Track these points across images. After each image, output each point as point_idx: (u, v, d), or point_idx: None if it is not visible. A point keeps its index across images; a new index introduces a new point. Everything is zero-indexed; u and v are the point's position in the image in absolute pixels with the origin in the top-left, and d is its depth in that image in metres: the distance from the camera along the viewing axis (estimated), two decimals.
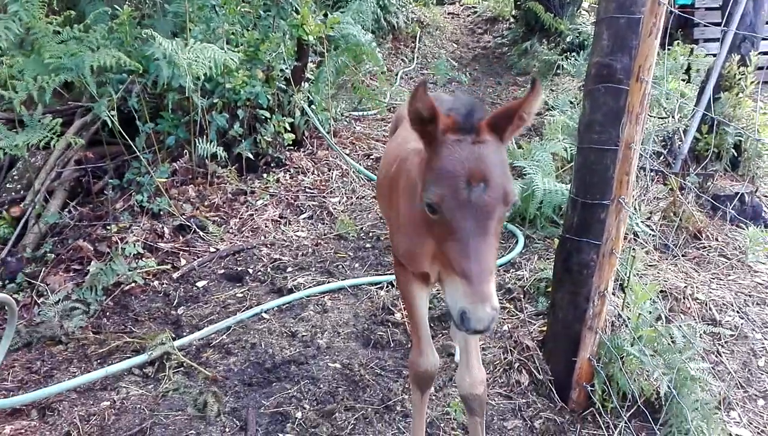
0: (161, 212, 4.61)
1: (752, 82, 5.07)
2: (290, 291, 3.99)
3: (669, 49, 6.92)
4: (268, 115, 5.33)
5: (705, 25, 8.10)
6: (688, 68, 7.10)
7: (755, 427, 3.01)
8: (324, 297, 3.95)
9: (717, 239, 4.44)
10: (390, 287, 4.05)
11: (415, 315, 2.47)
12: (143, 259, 4.15)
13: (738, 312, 3.77)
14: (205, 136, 4.92)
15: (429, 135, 1.77)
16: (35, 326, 3.55)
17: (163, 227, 4.51)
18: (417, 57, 10.45)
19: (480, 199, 1.64)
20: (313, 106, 6.04)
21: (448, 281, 1.69)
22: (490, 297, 1.59)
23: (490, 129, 1.76)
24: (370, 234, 4.84)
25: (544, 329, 3.43)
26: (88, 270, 3.95)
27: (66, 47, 4.21)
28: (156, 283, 4.04)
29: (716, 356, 3.42)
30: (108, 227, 4.33)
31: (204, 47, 4.51)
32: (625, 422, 2.88)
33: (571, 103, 6.65)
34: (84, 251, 4.13)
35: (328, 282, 4.10)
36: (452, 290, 1.66)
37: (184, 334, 3.54)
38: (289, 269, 4.29)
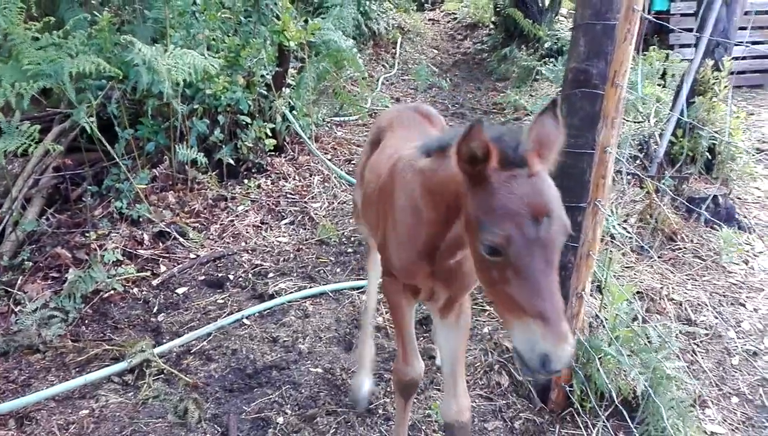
0: (141, 219, 4.59)
1: (725, 87, 5.17)
2: (271, 297, 3.99)
3: (645, 55, 7.03)
4: (249, 120, 5.33)
5: (680, 31, 8.24)
6: (664, 73, 7.21)
7: (729, 424, 3.07)
8: (305, 302, 3.95)
9: (692, 241, 4.53)
10: None
11: (402, 326, 2.44)
12: (122, 266, 4.13)
13: (713, 312, 3.84)
14: (185, 142, 4.90)
15: (478, 174, 1.67)
16: (12, 334, 3.51)
17: (142, 234, 4.49)
18: (398, 63, 10.50)
19: (547, 235, 1.58)
20: (294, 112, 6.04)
21: (517, 324, 1.60)
22: (568, 335, 1.55)
23: (539, 158, 1.70)
24: (352, 239, 4.86)
25: None
26: (67, 278, 3.92)
27: (45, 53, 4.17)
28: (135, 290, 4.02)
29: (691, 355, 3.48)
30: (87, 234, 4.30)
31: (184, 53, 4.50)
32: (603, 422, 2.92)
33: None
34: (62, 258, 4.10)
35: (310, 287, 4.10)
36: (527, 334, 1.57)
37: (165, 341, 3.53)
38: (271, 275, 4.29)
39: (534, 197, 1.61)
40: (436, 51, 11.77)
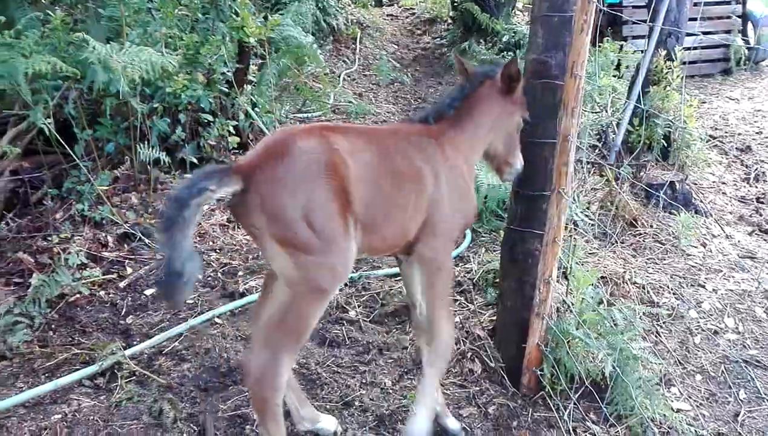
0: (104, 221, 4.50)
1: (678, 76, 5.35)
2: (242, 295, 3.98)
3: (600, 47, 7.20)
4: (210, 118, 5.27)
5: (633, 23, 8.46)
6: (619, 64, 7.40)
7: (694, 400, 3.20)
8: None
9: (651, 226, 4.68)
10: (344, 285, 4.08)
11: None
12: (87, 269, 4.04)
13: (674, 294, 3.98)
14: (146, 142, 4.83)
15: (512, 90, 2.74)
16: None
17: (106, 236, 4.40)
18: (358, 58, 10.50)
19: None
20: (257, 109, 6.00)
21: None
22: None
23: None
24: None
25: (494, 318, 3.54)
26: (30, 283, 3.82)
27: None
28: (102, 293, 3.95)
29: (655, 336, 3.61)
30: (49, 238, 4.20)
31: (140, 50, 4.42)
32: (574, 403, 3.01)
33: None
34: (24, 263, 3.99)
35: None
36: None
37: (135, 343, 3.48)
38: (240, 273, 4.27)
39: None
40: (396, 46, 11.81)
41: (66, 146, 4.39)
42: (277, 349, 2.22)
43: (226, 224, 4.88)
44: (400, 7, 15.12)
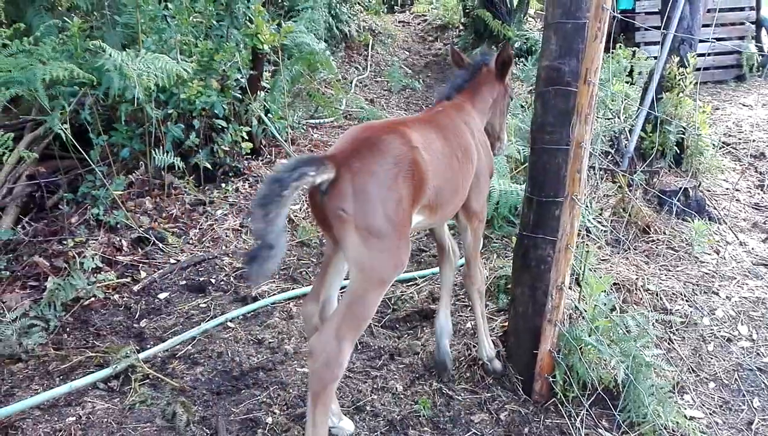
0: (118, 225, 4.55)
1: (691, 83, 5.33)
2: (254, 299, 4.00)
3: (612, 53, 7.18)
4: (224, 124, 5.32)
5: (646, 29, 8.44)
6: (631, 70, 7.38)
7: (707, 408, 3.17)
8: (289, 303, 3.97)
9: (664, 233, 4.65)
10: None
11: None
12: (102, 273, 4.09)
13: (687, 301, 3.96)
14: (161, 147, 4.88)
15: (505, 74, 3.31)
16: None
17: (121, 240, 4.45)
18: (370, 65, 10.54)
19: None
20: (269, 115, 6.05)
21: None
22: None
23: None
24: None
25: (506, 324, 3.54)
26: (46, 286, 3.87)
27: (15, 60, 4.13)
28: (116, 296, 3.99)
29: (668, 343, 3.59)
30: (64, 242, 4.25)
31: (155, 57, 4.48)
32: (587, 410, 3.00)
33: (522, 106, 6.83)
34: (40, 266, 4.04)
35: (293, 289, 4.12)
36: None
37: (149, 346, 3.51)
38: None
39: None
40: (407, 53, 11.85)
41: (82, 151, 4.45)
42: (343, 336, 2.35)
43: (239, 228, 4.91)
44: (411, 13, 15.17)
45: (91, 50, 4.74)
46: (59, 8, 6.14)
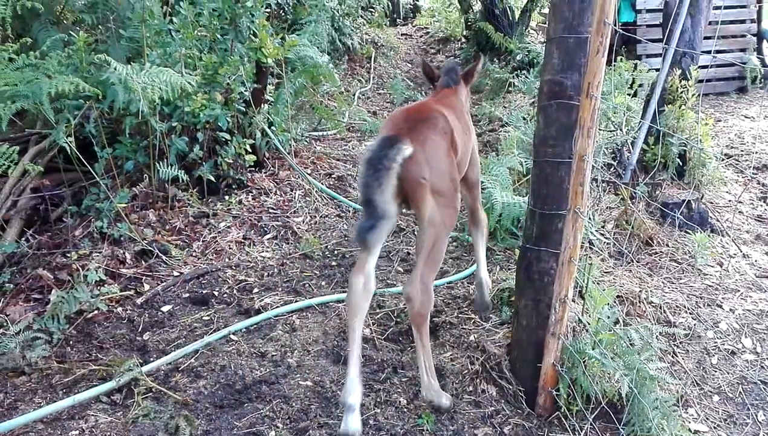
0: (122, 238, 4.57)
1: (693, 95, 5.35)
2: (257, 312, 4.00)
3: (614, 65, 7.21)
4: (228, 137, 5.35)
5: (647, 42, 8.47)
6: (633, 83, 7.40)
7: (712, 422, 3.16)
8: (292, 316, 3.97)
9: (667, 245, 4.65)
10: None
11: None
12: (105, 285, 4.10)
13: (690, 314, 3.95)
14: (165, 160, 4.90)
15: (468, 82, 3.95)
16: None
17: (124, 253, 4.46)
18: (373, 77, 10.60)
19: None
20: (273, 128, 6.07)
21: None
22: None
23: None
24: (335, 252, 4.89)
25: (509, 337, 3.53)
26: (49, 299, 3.89)
27: (21, 74, 4.16)
28: (120, 309, 3.99)
29: (672, 356, 3.58)
30: (68, 255, 4.26)
31: (160, 71, 4.51)
32: (591, 424, 2.99)
33: (524, 119, 6.85)
34: (44, 279, 4.06)
35: (296, 301, 4.12)
36: None
37: (152, 359, 3.51)
38: (255, 290, 4.30)
39: None
40: (410, 65, 11.91)
41: (86, 164, 4.47)
42: (428, 279, 2.96)
43: (242, 241, 4.93)
44: (414, 26, 15.28)
45: (96, 64, 4.78)
46: (64, 22, 6.18)
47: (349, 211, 5.71)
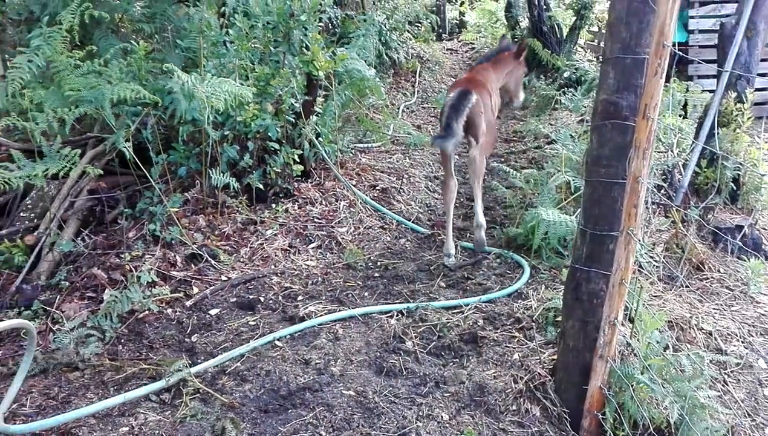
0: (173, 241, 4.69)
1: (749, 119, 5.23)
2: (302, 319, 4.05)
3: (666, 86, 7.10)
4: (277, 147, 5.46)
5: (699, 63, 8.33)
6: (685, 104, 7.28)
7: None
8: (335, 325, 4.01)
9: (719, 271, 4.54)
10: (400, 315, 4.12)
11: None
12: (156, 287, 4.21)
13: (742, 342, 3.85)
14: (216, 167, 5.02)
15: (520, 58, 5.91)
16: (51, 352, 3.59)
17: (175, 256, 4.58)
18: (417, 91, 10.66)
19: None
20: (320, 139, 6.17)
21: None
22: None
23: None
24: (378, 263, 4.92)
25: (554, 357, 3.50)
26: (103, 298, 4.02)
27: (86, 80, 4.33)
28: (169, 310, 4.10)
29: (723, 385, 3.48)
30: (122, 256, 4.40)
31: (221, 81, 4.65)
32: None
33: (572, 136, 6.79)
34: (98, 278, 4.19)
35: (339, 310, 4.16)
36: None
37: (199, 361, 3.59)
38: (300, 298, 4.36)
39: None
40: (454, 80, 11.93)
41: (142, 168, 4.61)
42: (483, 158, 5.15)
43: (288, 248, 5.00)
44: (459, 41, 15.32)
45: (153, 72, 4.95)
46: (122, 30, 6.41)
47: (393, 224, 5.74)
